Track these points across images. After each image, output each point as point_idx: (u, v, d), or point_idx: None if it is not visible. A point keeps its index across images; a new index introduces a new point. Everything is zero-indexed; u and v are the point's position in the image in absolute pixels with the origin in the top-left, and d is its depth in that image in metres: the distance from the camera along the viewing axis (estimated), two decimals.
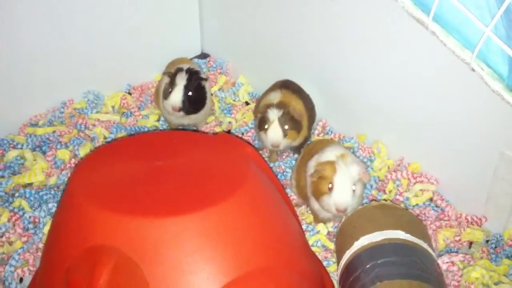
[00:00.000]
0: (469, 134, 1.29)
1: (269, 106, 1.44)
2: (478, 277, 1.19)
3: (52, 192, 1.41)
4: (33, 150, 1.53)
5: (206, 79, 1.55)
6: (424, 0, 1.09)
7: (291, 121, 1.43)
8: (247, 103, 1.76)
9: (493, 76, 1.06)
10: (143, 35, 1.77)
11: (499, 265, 1.23)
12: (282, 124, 1.42)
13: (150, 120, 1.67)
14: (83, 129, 1.61)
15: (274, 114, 1.42)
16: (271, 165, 1.52)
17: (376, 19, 1.35)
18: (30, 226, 1.33)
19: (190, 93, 1.49)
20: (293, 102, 1.47)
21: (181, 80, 1.49)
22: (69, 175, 1.44)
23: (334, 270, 1.23)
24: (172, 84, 1.49)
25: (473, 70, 1.08)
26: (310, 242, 1.30)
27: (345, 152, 1.28)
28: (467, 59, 1.08)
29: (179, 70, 1.51)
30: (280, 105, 1.43)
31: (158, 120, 1.68)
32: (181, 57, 1.74)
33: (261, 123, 1.45)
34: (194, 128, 1.63)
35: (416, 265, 1.03)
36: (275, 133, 1.42)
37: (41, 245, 1.28)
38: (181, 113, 1.50)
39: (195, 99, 1.51)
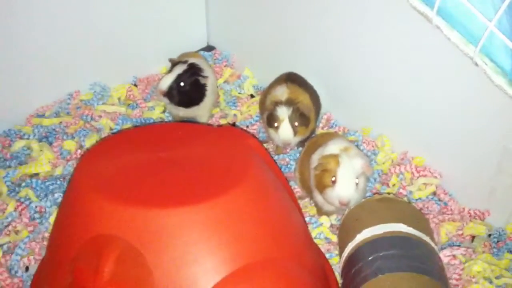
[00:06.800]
0: (473, 128, 1.29)
1: (277, 103, 1.43)
2: (480, 270, 1.20)
3: (58, 182, 1.42)
4: (40, 140, 1.55)
5: (205, 77, 1.55)
6: None
7: (300, 118, 1.43)
8: (252, 96, 1.77)
9: (496, 71, 1.06)
10: (150, 27, 1.78)
11: (501, 259, 1.24)
12: (292, 122, 1.42)
13: (155, 112, 1.68)
14: (89, 120, 1.62)
15: (283, 113, 1.42)
16: (275, 157, 1.53)
17: (381, 13, 1.35)
18: (36, 215, 1.34)
19: (182, 84, 1.49)
20: (300, 97, 1.46)
21: (178, 70, 1.50)
22: (75, 165, 1.45)
23: (336, 262, 1.24)
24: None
25: (476, 64, 1.08)
26: (313, 235, 1.31)
27: (348, 146, 1.29)
28: (470, 54, 1.08)
29: (182, 62, 1.52)
30: (288, 102, 1.43)
31: (164, 112, 1.69)
32: (189, 50, 1.75)
33: (270, 120, 1.45)
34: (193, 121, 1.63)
35: (418, 258, 1.04)
36: (286, 131, 1.43)
37: (47, 235, 1.29)
38: (167, 100, 1.50)
39: (187, 92, 1.51)
